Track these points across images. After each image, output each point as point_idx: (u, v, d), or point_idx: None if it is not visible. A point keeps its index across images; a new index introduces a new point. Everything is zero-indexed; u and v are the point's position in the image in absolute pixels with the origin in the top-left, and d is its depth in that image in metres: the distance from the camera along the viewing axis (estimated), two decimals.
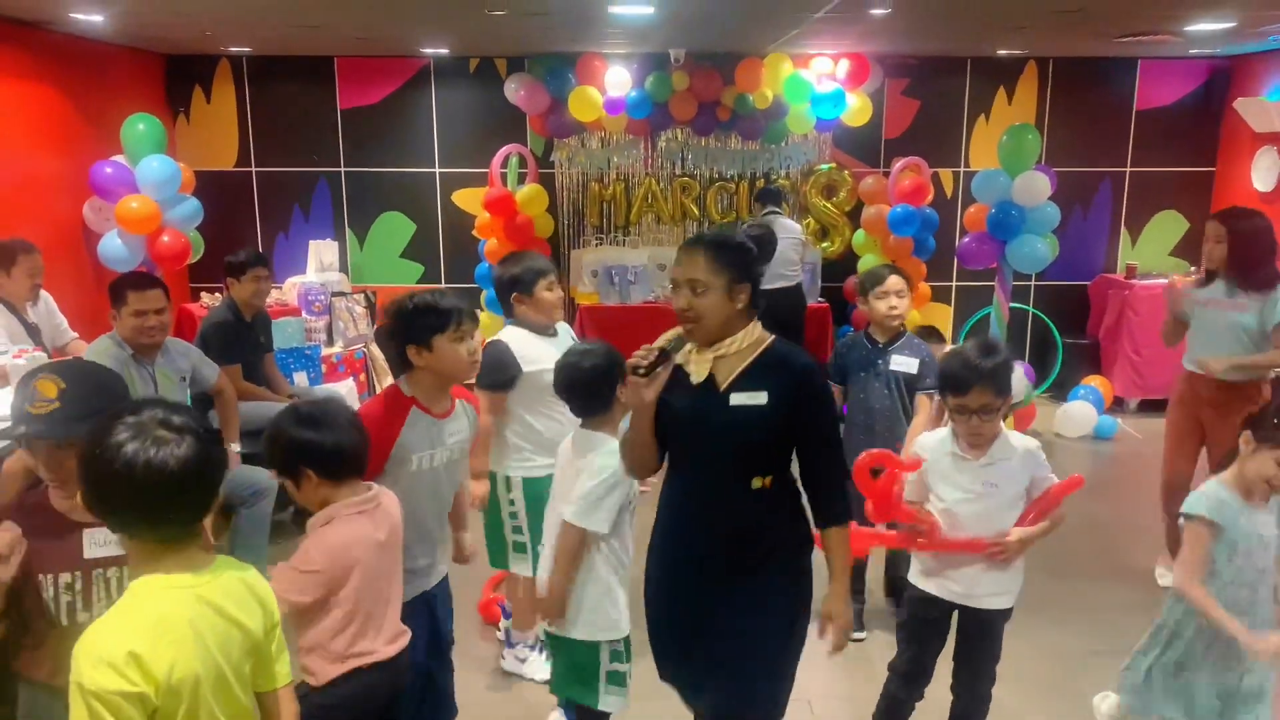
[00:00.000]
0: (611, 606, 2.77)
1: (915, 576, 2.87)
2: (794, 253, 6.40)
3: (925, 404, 3.72)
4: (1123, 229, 7.58)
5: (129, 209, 5.69)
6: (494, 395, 3.32)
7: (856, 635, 3.96)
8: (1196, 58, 7.23)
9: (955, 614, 2.85)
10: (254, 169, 7.37)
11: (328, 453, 2.24)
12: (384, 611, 2.32)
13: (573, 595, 2.76)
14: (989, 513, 2.71)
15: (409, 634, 2.41)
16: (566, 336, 3.52)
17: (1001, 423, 2.75)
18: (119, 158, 5.88)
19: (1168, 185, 7.48)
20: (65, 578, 1.97)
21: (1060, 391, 7.11)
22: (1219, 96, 7.29)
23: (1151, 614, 4.20)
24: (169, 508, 1.59)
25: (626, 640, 2.84)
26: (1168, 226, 7.54)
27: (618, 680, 2.83)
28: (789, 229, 6.43)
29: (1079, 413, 6.65)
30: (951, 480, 2.75)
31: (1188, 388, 4.27)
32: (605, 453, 2.68)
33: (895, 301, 3.74)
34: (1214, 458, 4.18)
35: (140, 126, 5.85)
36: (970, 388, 2.62)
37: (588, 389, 2.78)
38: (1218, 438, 4.13)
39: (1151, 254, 7.51)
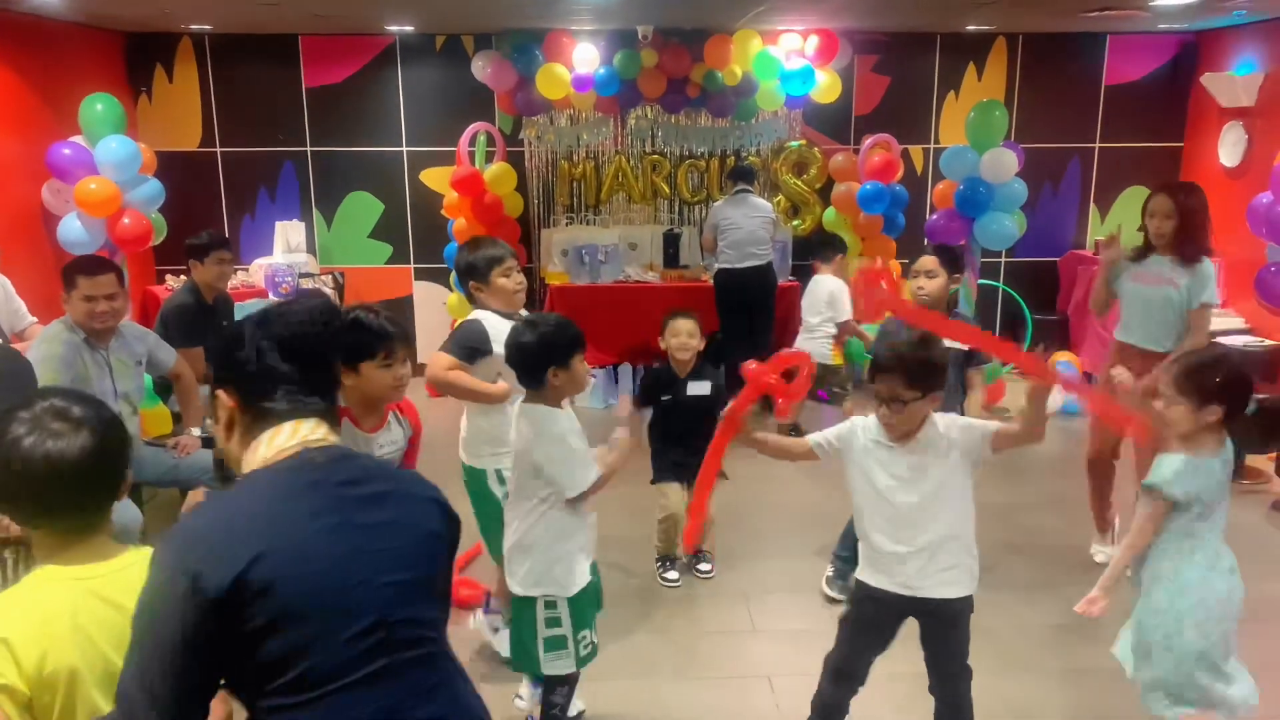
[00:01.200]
0: (560, 566, 2.80)
1: (862, 570, 2.77)
2: (764, 231, 6.36)
3: (977, 380, 3.79)
4: (1092, 205, 7.61)
5: (88, 191, 5.60)
6: (457, 362, 3.25)
7: (837, 596, 3.99)
8: (1165, 33, 7.23)
9: (909, 618, 2.76)
10: (219, 149, 7.27)
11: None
12: None
13: (530, 549, 2.80)
14: (919, 500, 2.63)
15: None
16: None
17: (931, 413, 2.66)
18: (77, 139, 5.78)
19: (1136, 161, 7.50)
20: None
21: None
22: (1186, 71, 7.31)
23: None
24: (68, 500, 1.59)
25: (571, 603, 2.83)
26: (1136, 202, 7.45)
27: (557, 644, 2.83)
28: (760, 208, 6.41)
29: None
30: (881, 466, 2.68)
31: (1120, 359, 4.27)
32: (552, 425, 2.74)
33: (924, 281, 3.78)
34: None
35: (98, 107, 5.75)
36: (884, 374, 2.58)
37: (524, 362, 2.78)
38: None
39: (1121, 229, 7.53)
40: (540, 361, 2.74)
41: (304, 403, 1.53)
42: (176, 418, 4.90)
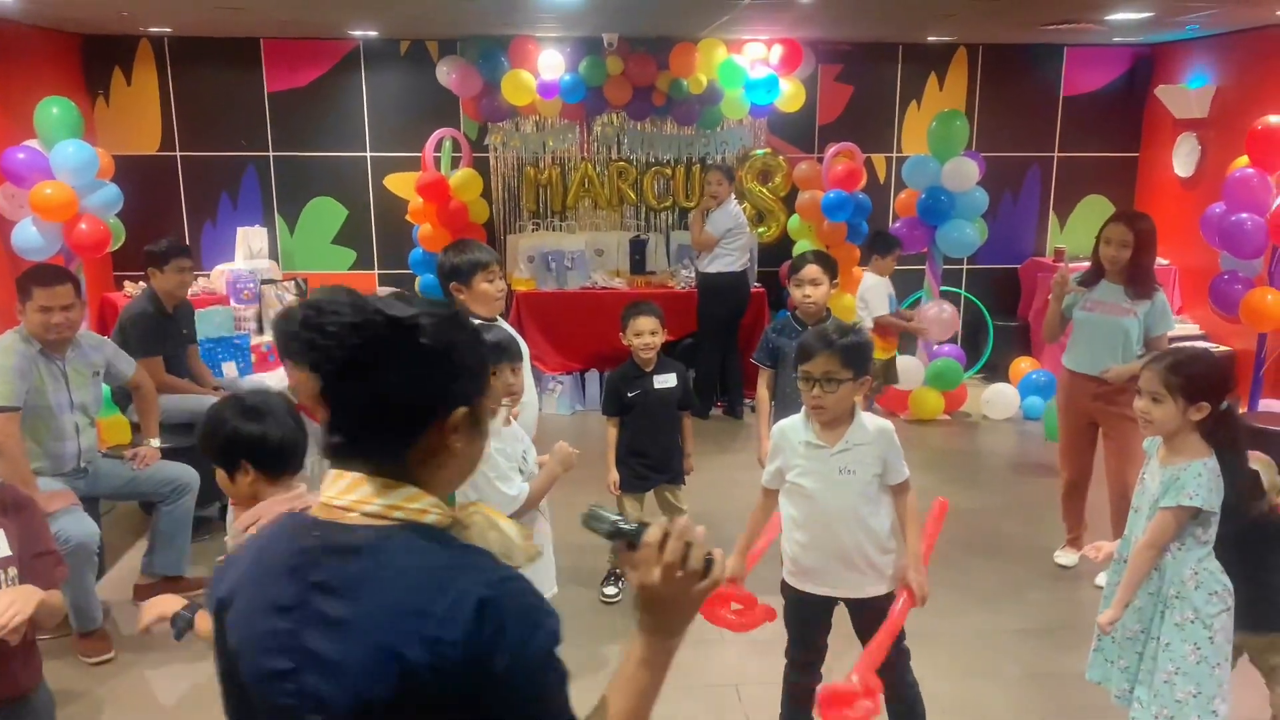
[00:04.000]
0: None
1: (789, 576, 2.87)
2: (742, 237, 6.51)
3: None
4: (1051, 213, 7.73)
5: (44, 195, 5.49)
6: None
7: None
8: (1120, 45, 7.37)
9: (839, 605, 2.86)
10: (179, 153, 7.17)
11: (270, 446, 2.20)
12: None
13: None
14: (847, 503, 2.68)
15: None
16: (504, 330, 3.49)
17: (856, 405, 2.75)
18: (32, 142, 5.67)
19: (1093, 170, 7.64)
20: None
21: (993, 374, 7.23)
22: (1142, 83, 7.45)
23: (1074, 594, 4.37)
24: None
25: None
26: (1094, 210, 7.69)
27: None
28: (734, 215, 6.49)
29: (1004, 395, 6.77)
30: (806, 469, 2.73)
31: (1073, 388, 4.38)
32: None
33: (810, 290, 3.90)
34: (1111, 453, 4.31)
35: (54, 110, 5.64)
36: (815, 354, 2.64)
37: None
38: (1111, 428, 4.29)
39: (1079, 237, 7.65)
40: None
41: (336, 444, 1.20)
42: (135, 428, 4.82)
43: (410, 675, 1.09)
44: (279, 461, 2.21)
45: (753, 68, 6.88)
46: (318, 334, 1.14)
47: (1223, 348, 6.40)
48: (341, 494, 1.18)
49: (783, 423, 2.84)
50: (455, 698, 1.10)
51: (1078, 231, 7.69)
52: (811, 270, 3.88)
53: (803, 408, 2.79)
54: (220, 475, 2.24)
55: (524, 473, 2.84)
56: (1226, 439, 2.60)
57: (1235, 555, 2.66)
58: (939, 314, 6.56)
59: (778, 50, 6.88)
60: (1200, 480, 2.56)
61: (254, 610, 1.19)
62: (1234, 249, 5.41)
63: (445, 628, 1.09)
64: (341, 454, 1.20)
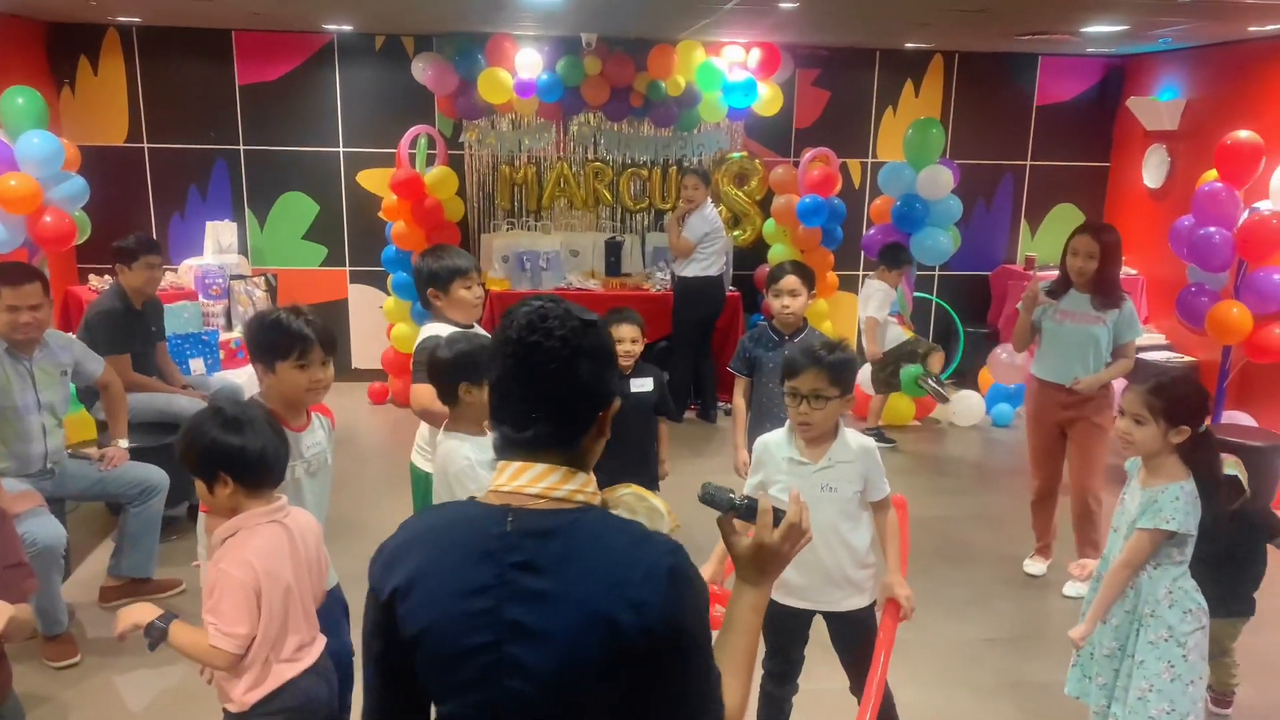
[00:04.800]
0: None
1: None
2: (719, 241, 6.50)
3: None
4: (1023, 221, 7.80)
5: (7, 187, 5.36)
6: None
7: None
8: (1093, 56, 7.45)
9: (817, 616, 2.87)
10: (146, 145, 7.05)
11: (250, 458, 2.16)
12: (301, 617, 2.25)
13: None
14: (827, 520, 2.67)
15: (324, 639, 2.37)
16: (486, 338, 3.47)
17: (840, 422, 2.76)
18: None
19: (1065, 179, 7.72)
20: None
21: (962, 381, 7.29)
22: (1113, 94, 7.54)
23: (1043, 603, 4.42)
24: None
25: None
26: (1065, 219, 7.77)
27: None
28: (711, 219, 6.49)
29: (971, 402, 6.82)
30: (789, 484, 2.72)
31: (1043, 397, 4.43)
32: (458, 454, 2.71)
33: (788, 300, 3.91)
34: (1075, 457, 4.37)
35: (19, 100, 5.51)
36: (802, 371, 2.65)
37: (438, 378, 2.78)
38: (1077, 435, 4.35)
39: (1049, 246, 7.72)
40: (453, 379, 2.74)
41: (529, 438, 1.35)
42: (101, 425, 4.74)
43: (619, 636, 1.26)
44: (259, 473, 2.18)
45: (731, 71, 6.88)
46: (544, 336, 1.32)
47: (1187, 358, 6.50)
48: (531, 483, 1.34)
49: (766, 437, 2.84)
50: (650, 653, 1.28)
51: (1048, 240, 7.77)
52: (790, 281, 3.89)
53: (786, 422, 2.79)
54: (200, 487, 2.20)
55: None
56: (1203, 461, 2.64)
57: (1207, 544, 2.71)
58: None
59: (756, 54, 6.89)
60: (1177, 504, 2.60)
61: (446, 594, 1.31)
62: (1202, 262, 5.49)
63: (646, 592, 1.27)
64: (533, 447, 1.35)
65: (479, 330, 3.51)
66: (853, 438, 2.76)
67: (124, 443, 4.10)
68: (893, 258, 6.29)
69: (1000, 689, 3.72)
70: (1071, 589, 4.39)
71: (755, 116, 7.14)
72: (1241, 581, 3.22)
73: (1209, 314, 5.46)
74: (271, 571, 2.14)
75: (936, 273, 7.68)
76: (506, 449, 1.37)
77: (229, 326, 6.78)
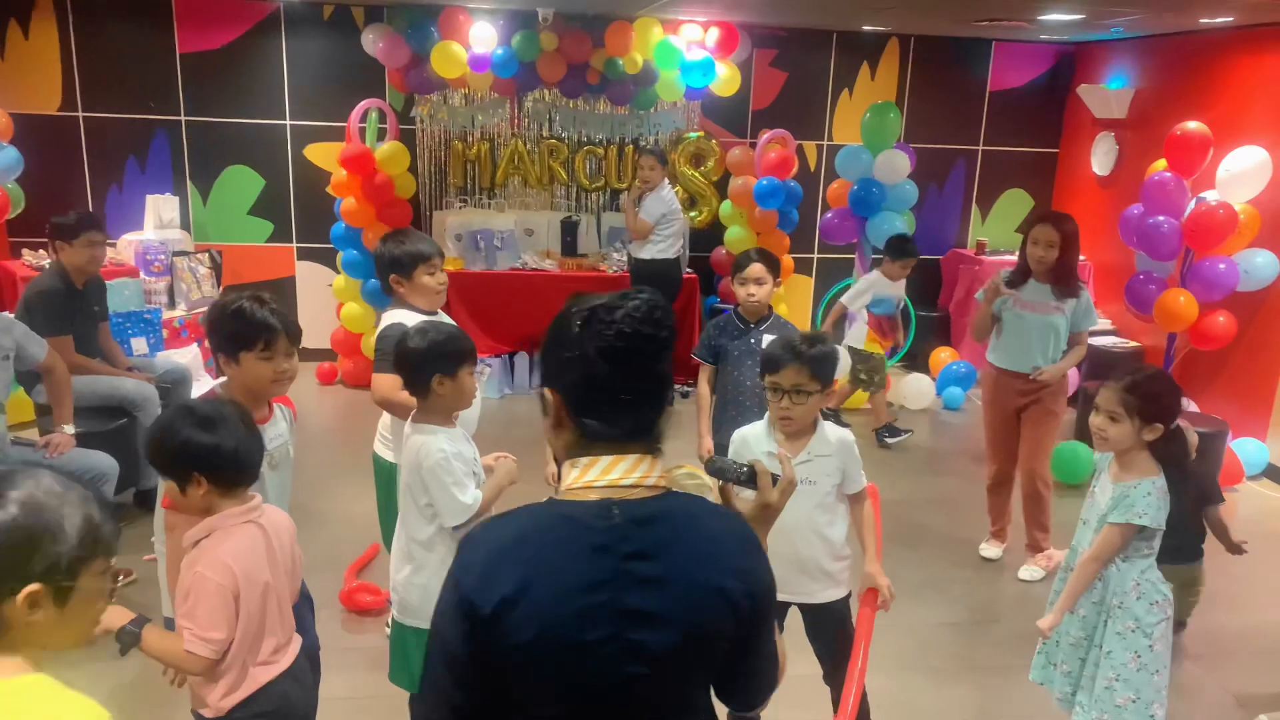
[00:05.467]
0: None
1: None
2: (676, 223, 6.45)
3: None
4: (974, 206, 7.89)
5: None
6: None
7: None
8: (1046, 43, 7.53)
9: (792, 608, 2.86)
10: (81, 114, 6.76)
11: (225, 458, 2.07)
12: (278, 619, 2.18)
13: (428, 584, 2.69)
14: (804, 513, 2.68)
15: (299, 639, 2.30)
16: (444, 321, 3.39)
17: (820, 416, 2.76)
18: None
19: (1015, 165, 7.82)
20: None
21: (913, 364, 7.38)
22: (1064, 81, 7.64)
23: (999, 587, 4.50)
24: None
25: None
26: (1014, 204, 7.90)
27: None
28: (668, 200, 6.43)
29: (921, 385, 6.89)
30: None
31: (999, 385, 4.50)
32: (433, 447, 2.63)
33: (754, 289, 3.86)
34: (1027, 441, 4.45)
35: None
36: (784, 366, 2.64)
37: (409, 368, 2.71)
38: (1031, 420, 4.43)
39: (999, 230, 7.85)
40: (425, 369, 2.67)
41: (627, 430, 1.39)
42: (41, 409, 4.56)
43: (730, 605, 1.38)
44: (233, 473, 2.09)
45: (689, 50, 6.81)
46: (656, 329, 1.37)
47: (1132, 343, 6.66)
48: (626, 474, 1.38)
49: (745, 431, 2.82)
50: (751, 615, 1.40)
51: (998, 224, 7.88)
52: (756, 269, 3.86)
53: (765, 415, 2.77)
54: (170, 488, 2.11)
55: (476, 477, 2.76)
56: (1173, 456, 2.69)
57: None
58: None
59: (714, 33, 6.83)
60: (1150, 499, 2.64)
61: (562, 594, 1.32)
62: (1150, 250, 5.60)
63: (745, 560, 1.42)
64: (626, 438, 1.39)
65: (444, 318, 3.43)
66: (831, 431, 2.76)
67: (69, 428, 3.95)
68: (898, 249, 6.17)
69: (960, 674, 3.77)
70: (1027, 572, 4.48)
71: (712, 97, 7.09)
72: (1191, 533, 3.44)
73: (1157, 302, 5.59)
74: (249, 574, 2.06)
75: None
76: (593, 443, 1.39)
77: (171, 304, 6.57)
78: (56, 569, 1.32)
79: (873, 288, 6.20)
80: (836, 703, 2.93)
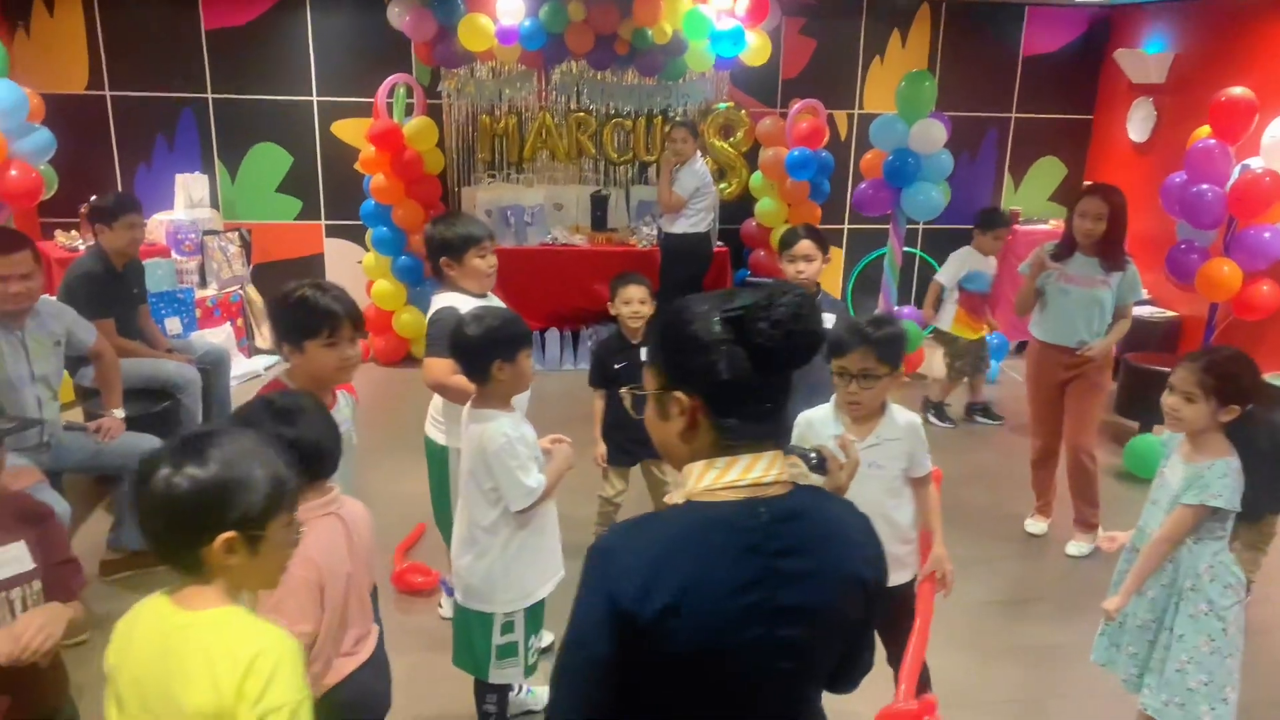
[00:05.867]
0: (529, 571, 2.76)
1: None
2: (709, 196, 6.39)
3: None
4: (1006, 174, 7.79)
5: None
6: (455, 364, 3.16)
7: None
8: (1080, 6, 7.40)
9: None
10: (108, 93, 6.73)
11: (306, 449, 2.05)
12: (359, 610, 2.19)
13: (491, 568, 2.72)
14: (872, 497, 2.61)
15: (377, 629, 2.32)
16: (496, 304, 3.37)
17: (888, 399, 2.73)
18: None
19: (1048, 132, 7.71)
20: None
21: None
22: (1098, 46, 7.51)
23: (1045, 562, 4.48)
24: None
25: (531, 610, 2.81)
26: (1047, 173, 7.79)
27: (509, 652, 2.80)
28: (701, 174, 6.36)
29: None
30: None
31: (1044, 358, 4.45)
32: (496, 432, 2.63)
33: (803, 265, 3.82)
34: (1072, 415, 4.41)
35: None
36: (851, 350, 2.60)
37: (467, 355, 2.70)
38: (1075, 395, 4.39)
39: (1032, 199, 7.76)
40: (485, 356, 2.66)
41: (767, 428, 1.39)
42: (83, 392, 4.57)
43: (866, 591, 1.43)
44: (315, 465, 2.08)
45: (718, 18, 6.71)
46: (812, 325, 1.36)
47: (1170, 313, 6.59)
48: (766, 471, 1.38)
49: (810, 413, 2.79)
50: (875, 598, 1.46)
51: (1031, 193, 7.79)
52: (805, 245, 3.82)
53: (832, 398, 2.75)
54: None
55: (538, 460, 2.76)
56: (1248, 436, 2.65)
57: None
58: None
59: (744, 1, 6.73)
60: (1225, 480, 2.61)
61: (719, 597, 1.33)
62: (1193, 219, 5.51)
63: (871, 547, 1.46)
64: (765, 436, 1.39)
65: (495, 300, 3.42)
66: (900, 414, 2.74)
67: (119, 413, 3.96)
68: (987, 221, 6.02)
69: (1009, 652, 3.75)
70: (1074, 548, 4.46)
71: (742, 66, 7.00)
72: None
73: (1200, 271, 5.50)
74: (333, 566, 2.07)
75: (920, 226, 7.66)
76: (735, 443, 1.37)
77: (203, 284, 6.57)
78: (249, 519, 1.53)
79: (965, 263, 6.06)
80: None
